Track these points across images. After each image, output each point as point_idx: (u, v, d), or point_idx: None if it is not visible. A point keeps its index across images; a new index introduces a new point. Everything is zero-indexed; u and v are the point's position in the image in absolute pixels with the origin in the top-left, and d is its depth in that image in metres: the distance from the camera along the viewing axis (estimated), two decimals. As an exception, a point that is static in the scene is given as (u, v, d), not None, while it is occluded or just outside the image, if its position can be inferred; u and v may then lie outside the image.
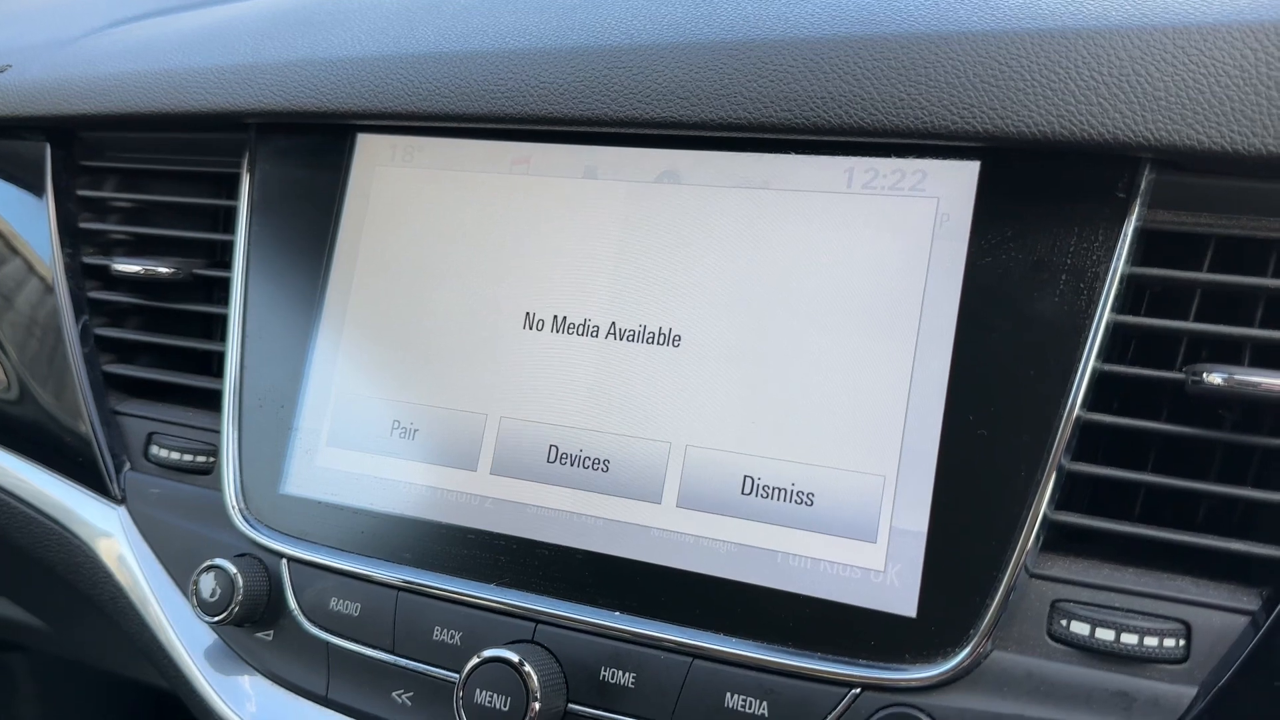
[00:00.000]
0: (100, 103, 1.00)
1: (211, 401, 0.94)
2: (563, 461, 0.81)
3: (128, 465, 0.97)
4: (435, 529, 0.83)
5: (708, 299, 0.78)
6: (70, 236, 1.03)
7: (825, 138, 0.73)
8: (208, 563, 0.84)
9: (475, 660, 0.73)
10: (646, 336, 0.80)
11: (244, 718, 0.85)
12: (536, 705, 0.72)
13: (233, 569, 0.83)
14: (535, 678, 0.72)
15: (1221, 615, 0.64)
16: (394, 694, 0.80)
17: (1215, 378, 0.64)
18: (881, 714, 0.67)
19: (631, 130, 0.78)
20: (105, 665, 2.07)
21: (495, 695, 0.72)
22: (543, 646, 0.75)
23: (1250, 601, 0.64)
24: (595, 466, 0.80)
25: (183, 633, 0.89)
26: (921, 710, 0.66)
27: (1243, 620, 0.63)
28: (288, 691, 0.84)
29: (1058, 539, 0.68)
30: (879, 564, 0.71)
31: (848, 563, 0.72)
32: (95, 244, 1.04)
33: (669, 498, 0.77)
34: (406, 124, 0.87)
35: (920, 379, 0.71)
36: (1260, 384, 0.62)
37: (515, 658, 0.73)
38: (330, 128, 0.91)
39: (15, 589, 1.54)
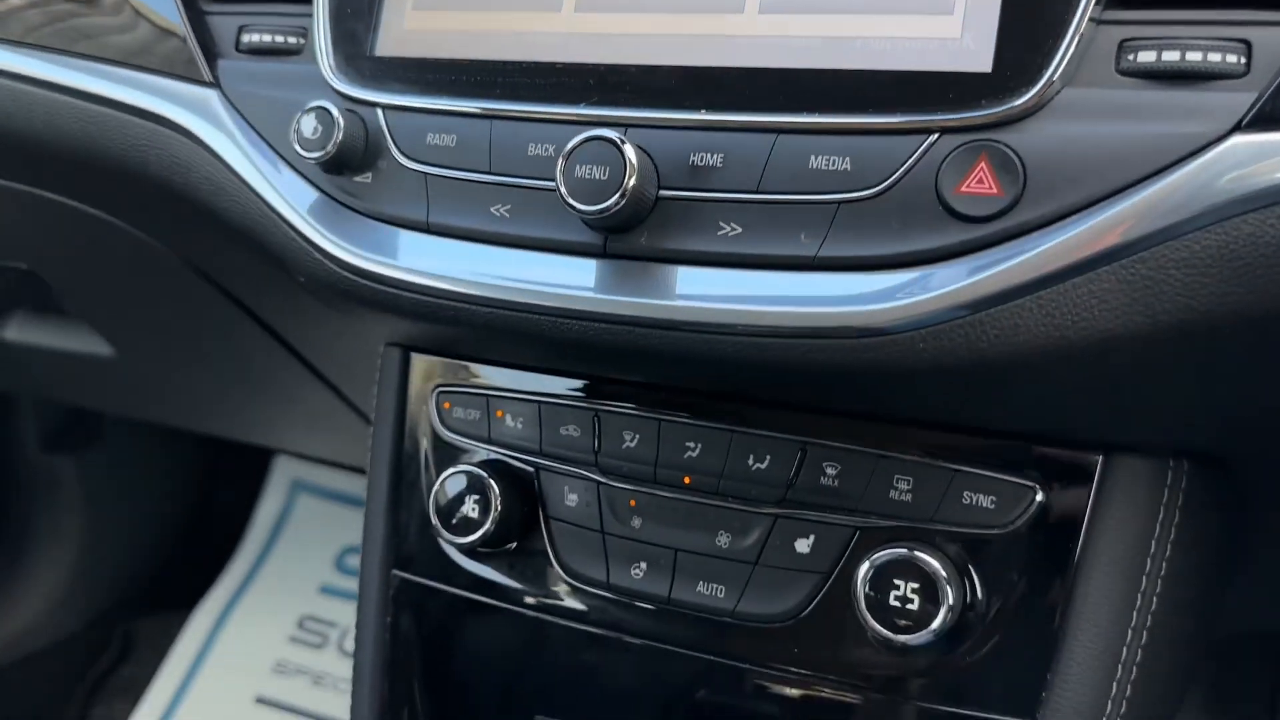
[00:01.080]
0: None
1: (297, -2, 0.97)
2: (646, -12, 0.85)
3: (219, 58, 1.01)
4: (525, 66, 0.87)
5: None
6: None
7: None
8: (309, 105, 0.89)
9: (576, 140, 0.78)
10: None
11: (353, 251, 0.90)
12: (633, 180, 0.77)
13: (334, 109, 0.88)
14: (633, 153, 0.77)
15: (1281, 30, 0.68)
16: (492, 209, 0.86)
17: None
18: (957, 151, 0.72)
19: None
20: (163, 417, 2.14)
21: (594, 168, 0.77)
22: (635, 145, 0.80)
23: None
24: (678, -12, 0.84)
25: (286, 191, 0.94)
26: (997, 141, 0.71)
27: (1306, 29, 0.68)
28: (390, 226, 0.90)
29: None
30: (955, 32, 0.75)
31: (926, 36, 0.76)
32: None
33: (751, 5, 0.81)
34: None
35: None
36: None
37: (615, 136, 0.78)
38: None
39: (94, 285, 1.60)
